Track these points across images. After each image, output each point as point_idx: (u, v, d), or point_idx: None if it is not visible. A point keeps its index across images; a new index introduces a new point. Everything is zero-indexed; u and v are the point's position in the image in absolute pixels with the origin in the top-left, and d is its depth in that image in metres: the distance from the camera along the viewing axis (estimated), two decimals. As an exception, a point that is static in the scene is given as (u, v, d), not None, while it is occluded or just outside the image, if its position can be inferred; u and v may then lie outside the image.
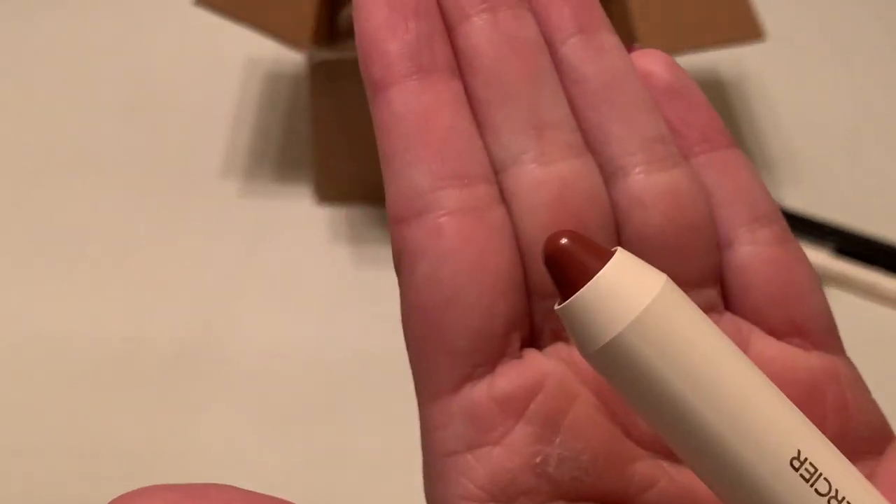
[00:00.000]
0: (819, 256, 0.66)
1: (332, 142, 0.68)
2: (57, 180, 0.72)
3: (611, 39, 0.22)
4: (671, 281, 0.18)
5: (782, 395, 0.19)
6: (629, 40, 0.68)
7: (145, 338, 0.62)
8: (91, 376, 0.59)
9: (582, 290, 0.18)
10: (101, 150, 0.75)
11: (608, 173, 0.21)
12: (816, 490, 0.18)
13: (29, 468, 0.55)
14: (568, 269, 0.18)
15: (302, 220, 0.69)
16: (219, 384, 0.59)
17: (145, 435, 0.57)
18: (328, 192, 0.70)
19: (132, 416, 0.58)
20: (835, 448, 0.19)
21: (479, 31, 0.21)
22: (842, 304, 0.64)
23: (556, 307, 0.18)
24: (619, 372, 0.18)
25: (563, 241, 0.18)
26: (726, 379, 0.18)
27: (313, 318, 0.63)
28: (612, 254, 0.18)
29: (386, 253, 0.68)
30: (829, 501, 0.18)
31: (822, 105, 0.81)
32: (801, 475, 0.18)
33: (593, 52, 0.21)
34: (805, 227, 0.68)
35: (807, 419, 0.18)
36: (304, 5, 0.68)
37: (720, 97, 0.81)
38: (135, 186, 0.72)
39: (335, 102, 0.66)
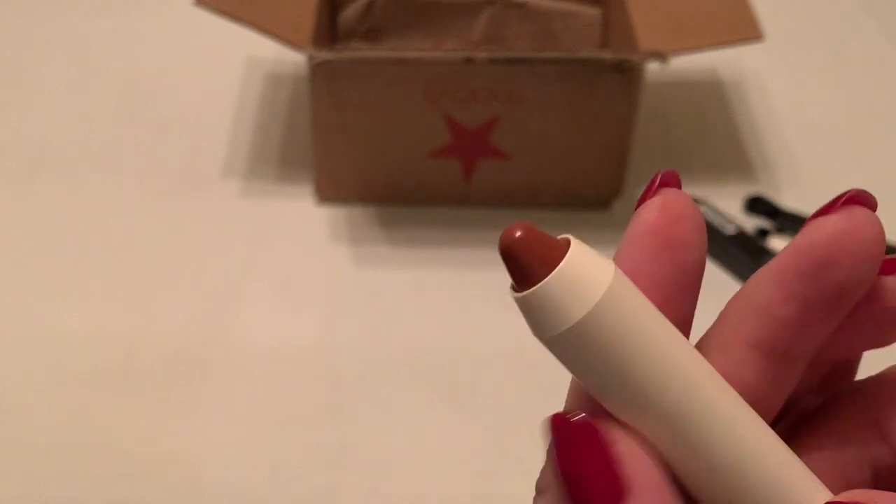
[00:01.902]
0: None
1: (332, 142, 0.68)
2: (57, 180, 0.72)
3: None
4: (619, 270, 0.20)
5: (719, 375, 0.20)
6: (629, 41, 0.68)
7: (146, 338, 0.62)
8: (91, 376, 0.59)
9: (544, 280, 0.19)
10: (101, 150, 0.75)
11: None
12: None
13: (29, 468, 0.55)
14: (526, 260, 0.19)
15: (302, 220, 0.69)
16: (219, 384, 0.59)
17: (145, 435, 0.57)
18: (328, 192, 0.70)
19: (132, 416, 0.58)
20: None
21: None
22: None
23: (515, 295, 0.19)
24: (576, 354, 0.19)
25: (519, 233, 0.19)
26: (672, 357, 0.20)
27: (313, 318, 0.63)
28: (566, 245, 0.19)
29: (386, 253, 0.68)
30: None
31: (821, 105, 0.81)
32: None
33: None
34: (804, 227, 0.68)
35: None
36: (305, 6, 0.68)
37: (720, 97, 0.81)
38: (135, 186, 0.72)
39: (335, 102, 0.66)
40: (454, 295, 0.64)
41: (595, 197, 0.70)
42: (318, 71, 0.64)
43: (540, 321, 0.19)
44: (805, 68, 0.85)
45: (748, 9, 0.68)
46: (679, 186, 0.22)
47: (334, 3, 0.77)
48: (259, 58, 0.82)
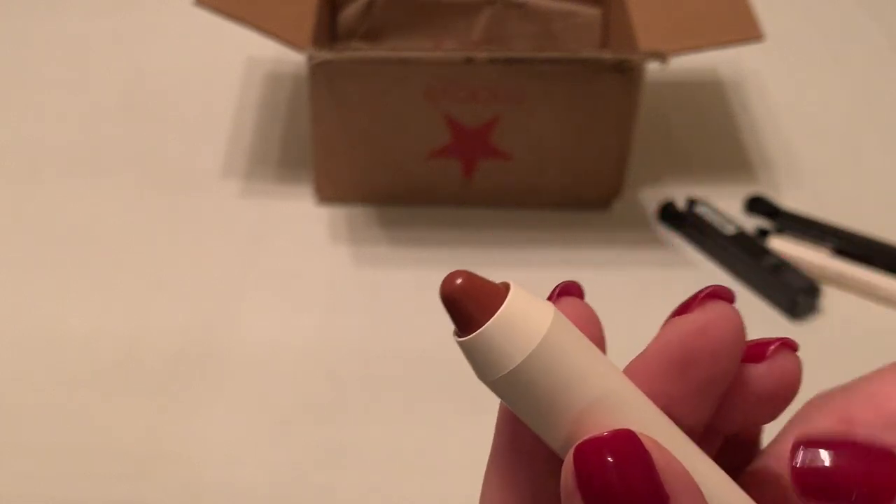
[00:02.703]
0: (818, 256, 0.66)
1: (332, 142, 0.68)
2: (57, 180, 0.72)
3: None
4: (559, 313, 0.20)
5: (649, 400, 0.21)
6: (629, 41, 0.68)
7: (146, 337, 0.62)
8: (91, 376, 0.59)
9: (484, 326, 0.19)
10: (101, 150, 0.75)
11: None
12: None
13: (29, 468, 0.55)
14: (466, 307, 0.20)
15: (302, 220, 0.69)
16: (219, 384, 0.59)
17: (145, 435, 0.57)
18: (328, 192, 0.70)
19: (132, 416, 0.58)
20: None
21: None
22: (840, 304, 0.64)
23: (458, 340, 0.20)
24: (519, 396, 0.20)
25: (459, 280, 0.20)
26: (612, 396, 0.20)
27: (313, 318, 0.63)
28: (505, 291, 0.20)
29: (386, 253, 0.68)
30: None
31: (821, 105, 0.81)
32: None
33: None
34: (804, 228, 0.68)
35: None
36: (305, 6, 0.68)
37: (720, 97, 0.81)
38: (135, 186, 0.72)
39: (335, 102, 0.66)
40: (454, 295, 0.64)
41: (595, 197, 0.70)
42: (318, 71, 0.64)
43: (482, 365, 0.20)
44: (805, 68, 0.85)
45: (748, 9, 0.68)
46: (581, 295, 0.22)
47: (334, 3, 0.77)
48: (259, 58, 0.82)
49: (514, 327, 0.19)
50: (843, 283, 0.65)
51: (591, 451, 0.19)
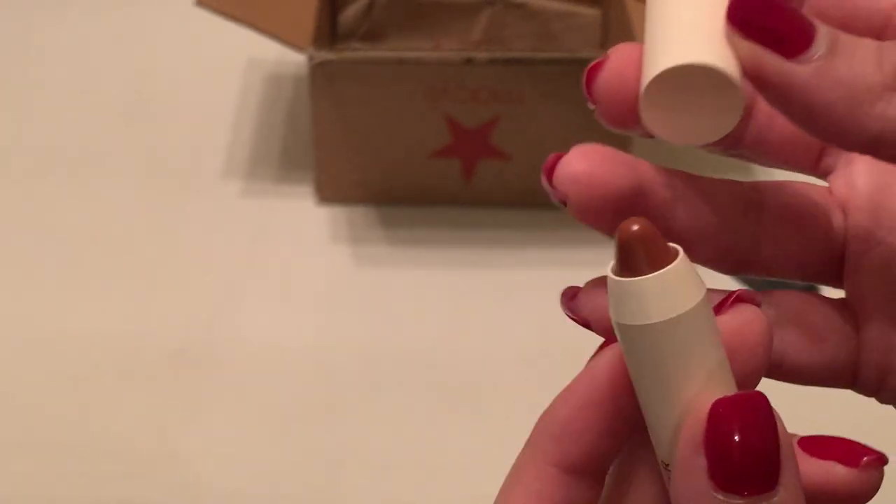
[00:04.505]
0: (818, 256, 0.66)
1: (332, 142, 0.68)
2: (57, 180, 0.72)
3: None
4: (708, 295, 0.21)
5: None
6: (629, 41, 0.68)
7: (146, 337, 0.62)
8: (91, 376, 0.59)
9: (649, 276, 0.20)
10: (101, 150, 0.75)
11: None
12: None
13: (29, 468, 0.55)
14: (639, 252, 0.21)
15: (302, 220, 0.69)
16: (219, 383, 0.59)
17: (145, 435, 0.57)
18: (328, 192, 0.70)
19: (132, 416, 0.58)
20: None
21: None
22: (841, 304, 0.64)
23: (615, 278, 0.21)
24: (641, 347, 0.21)
25: (636, 227, 0.21)
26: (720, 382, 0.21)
27: (313, 318, 0.63)
28: (675, 253, 0.21)
29: (386, 253, 0.68)
30: None
31: (822, 105, 0.81)
32: None
33: None
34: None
35: None
36: (305, 6, 0.68)
37: (720, 97, 0.81)
38: (136, 186, 0.72)
39: (335, 103, 0.66)
40: (454, 295, 0.64)
41: (595, 197, 0.70)
42: (318, 71, 0.64)
43: (628, 308, 0.21)
44: (805, 68, 0.85)
45: (748, 9, 0.68)
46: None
47: (334, 3, 0.77)
48: (260, 58, 0.82)
49: (669, 289, 0.20)
50: (843, 283, 0.65)
51: (729, 407, 0.20)
